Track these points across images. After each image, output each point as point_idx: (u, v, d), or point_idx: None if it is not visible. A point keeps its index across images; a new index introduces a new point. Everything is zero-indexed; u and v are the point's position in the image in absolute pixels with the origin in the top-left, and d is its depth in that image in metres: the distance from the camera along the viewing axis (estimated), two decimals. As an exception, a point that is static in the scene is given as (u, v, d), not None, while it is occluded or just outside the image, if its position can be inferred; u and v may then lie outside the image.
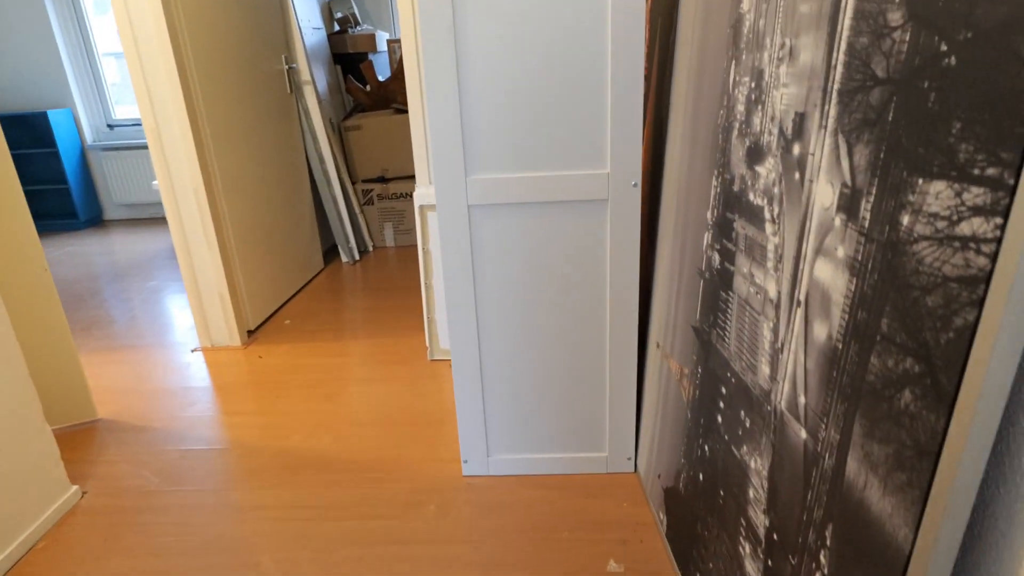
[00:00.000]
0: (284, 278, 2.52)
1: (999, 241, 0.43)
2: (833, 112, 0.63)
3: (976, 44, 0.45)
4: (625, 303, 1.28)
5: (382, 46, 3.39)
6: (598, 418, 1.38)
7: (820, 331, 0.66)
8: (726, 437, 0.93)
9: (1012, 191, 0.42)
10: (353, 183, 3.07)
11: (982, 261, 0.45)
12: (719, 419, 0.96)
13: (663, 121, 1.25)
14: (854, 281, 0.60)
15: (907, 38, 0.52)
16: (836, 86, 0.62)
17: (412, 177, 3.12)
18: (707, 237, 1.00)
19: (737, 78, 0.87)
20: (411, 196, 3.08)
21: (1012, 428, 0.48)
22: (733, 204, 0.89)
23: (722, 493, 0.94)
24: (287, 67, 2.61)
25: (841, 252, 0.62)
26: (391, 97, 3.15)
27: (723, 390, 0.94)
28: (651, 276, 1.30)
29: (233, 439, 1.60)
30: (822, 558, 0.66)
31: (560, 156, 1.18)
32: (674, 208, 1.15)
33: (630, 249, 1.24)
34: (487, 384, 1.35)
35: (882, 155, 0.55)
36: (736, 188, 0.88)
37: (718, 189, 0.95)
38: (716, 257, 0.96)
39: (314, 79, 2.73)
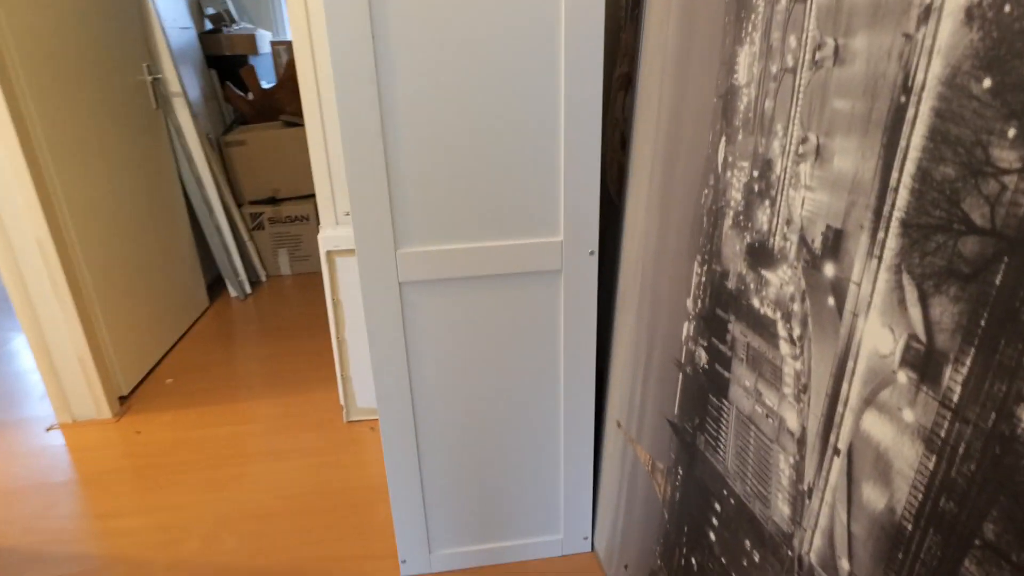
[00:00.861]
0: (161, 325, 2.18)
1: None
2: (893, 244, 0.52)
3: None
4: (581, 378, 1.15)
5: (264, 47, 3.04)
6: (552, 498, 1.24)
7: (874, 497, 0.55)
8: (723, 561, 0.82)
9: None
10: (239, 206, 2.74)
11: None
12: (711, 536, 0.84)
13: (620, 173, 1.12)
14: (933, 459, 0.49)
15: (1030, 189, 0.41)
16: (899, 214, 0.51)
17: (308, 197, 2.83)
18: (688, 328, 0.88)
19: (730, 159, 0.75)
20: (307, 219, 2.79)
21: None
22: (728, 303, 0.77)
23: (719, 621, 0.84)
24: (151, 78, 2.24)
25: (909, 416, 0.51)
26: (278, 107, 2.83)
27: (716, 507, 0.83)
28: (606, 347, 1.17)
29: (110, 554, 1.31)
30: None
31: (507, 222, 1.02)
32: (637, 281, 1.03)
33: (586, 322, 1.11)
34: (426, 473, 1.17)
35: (983, 322, 0.44)
36: (732, 286, 0.76)
37: (703, 279, 0.83)
38: (702, 355, 0.84)
39: (185, 90, 2.38)
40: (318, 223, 3.31)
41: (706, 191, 0.81)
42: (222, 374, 2.03)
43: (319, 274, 2.86)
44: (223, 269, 2.60)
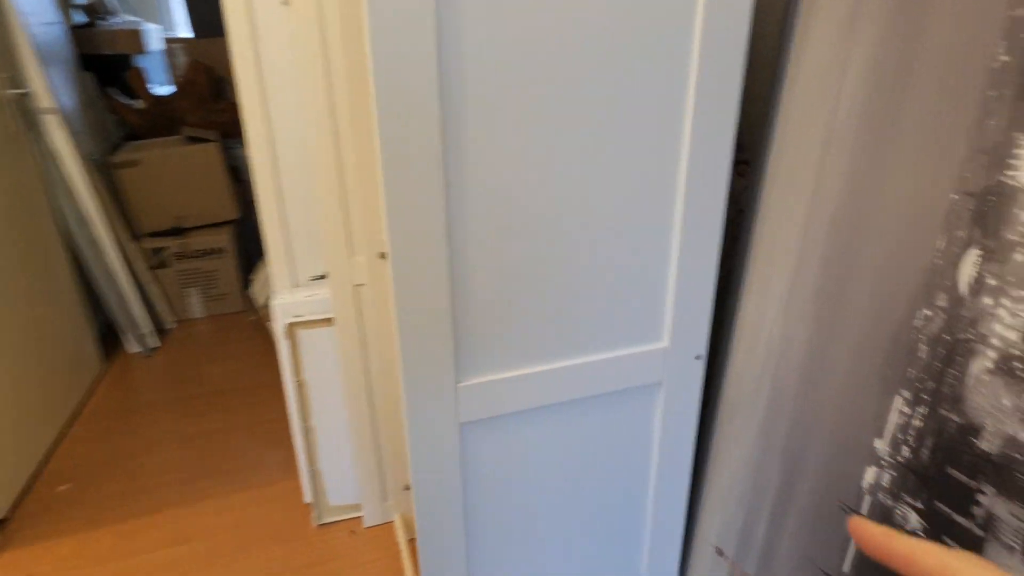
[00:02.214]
0: (43, 406, 1.71)
1: None
2: None
3: None
4: (669, 506, 0.92)
5: (154, 45, 2.54)
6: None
7: None
8: None
9: None
10: (136, 240, 2.25)
11: None
12: None
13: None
14: None
15: None
16: None
17: (221, 225, 2.39)
18: (876, 475, 0.68)
19: (992, 281, 0.55)
20: (222, 252, 2.35)
21: None
22: (979, 468, 0.58)
23: None
24: (14, 93, 1.74)
25: None
26: (178, 118, 2.35)
27: None
28: (700, 457, 0.95)
29: None
30: None
31: (599, 330, 0.77)
32: (761, 394, 0.82)
33: (685, 438, 0.88)
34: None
35: None
36: (990, 447, 0.57)
37: (919, 422, 0.63)
38: (909, 515, 0.65)
39: (59, 104, 1.88)
40: (237, 256, 2.84)
41: (928, 312, 0.61)
42: (136, 469, 1.61)
43: (242, 314, 2.43)
44: (119, 320, 2.12)
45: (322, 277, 1.33)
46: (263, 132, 1.21)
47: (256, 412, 1.85)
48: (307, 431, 1.39)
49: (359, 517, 1.46)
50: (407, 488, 1.36)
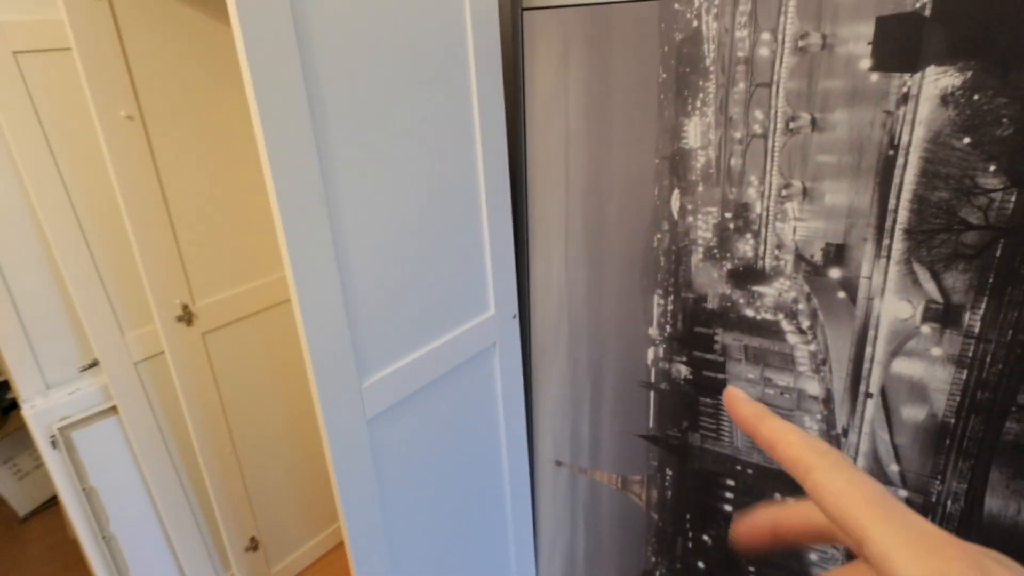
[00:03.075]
0: None
1: None
2: (900, 246, 0.77)
3: (1091, 209, 0.66)
4: (517, 435, 1.16)
5: None
6: (503, 560, 1.22)
7: (914, 413, 0.82)
8: (746, 521, 1.00)
9: None
10: None
11: (1125, 347, 0.68)
12: (727, 508, 1.02)
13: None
14: (964, 372, 0.77)
15: (1012, 199, 0.69)
16: (901, 226, 0.76)
17: None
18: (654, 352, 1.01)
19: (690, 206, 0.91)
20: None
21: (1099, 434, 0.75)
22: (712, 320, 0.94)
23: (752, 569, 1.03)
24: None
25: (938, 351, 0.78)
26: None
27: (729, 483, 1.01)
28: (528, 400, 1.20)
29: None
30: None
31: (451, 313, 0.96)
32: (562, 333, 1.10)
33: (517, 382, 1.12)
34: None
35: (991, 279, 0.73)
36: (713, 306, 0.93)
37: (671, 307, 0.97)
38: (680, 369, 0.99)
39: None
40: None
41: (659, 235, 0.95)
42: None
43: None
44: None
45: (92, 365, 1.19)
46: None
47: (-12, 569, 1.49)
48: (108, 541, 1.24)
49: (206, 606, 1.35)
50: (251, 547, 1.31)
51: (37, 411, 1.15)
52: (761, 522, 0.29)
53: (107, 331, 1.15)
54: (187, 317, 1.12)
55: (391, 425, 0.89)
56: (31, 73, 1.03)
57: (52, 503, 1.69)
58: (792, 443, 0.26)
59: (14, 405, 1.62)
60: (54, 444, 1.16)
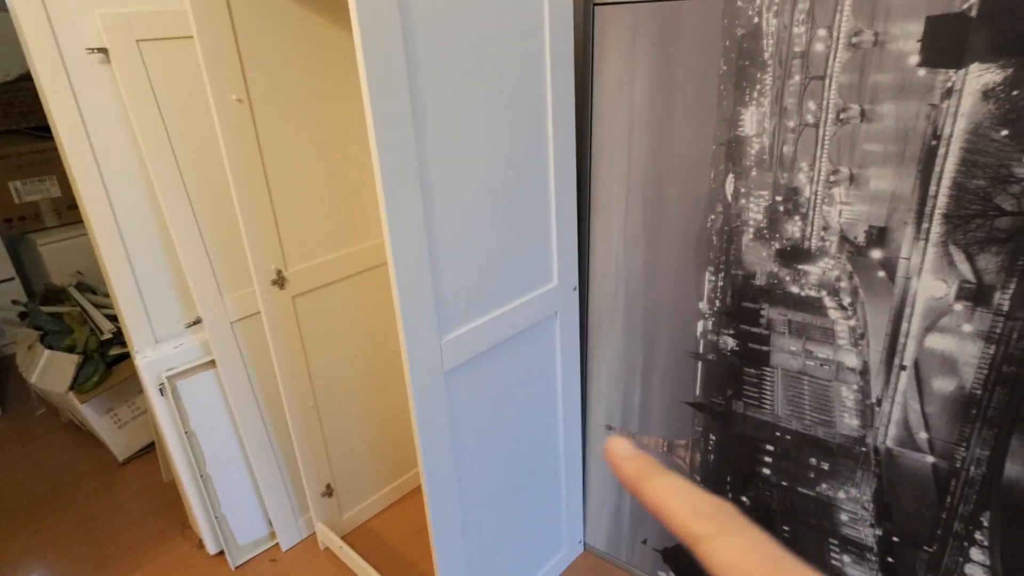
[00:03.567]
0: None
1: None
2: (938, 229, 0.84)
3: (1120, 197, 0.72)
4: (573, 398, 1.26)
5: None
6: (554, 513, 1.33)
7: (944, 384, 0.89)
8: (784, 483, 1.09)
9: None
10: None
11: None
12: (765, 471, 1.11)
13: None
14: (993, 347, 0.84)
15: (1046, 188, 0.76)
16: (940, 211, 0.83)
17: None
18: (703, 325, 1.10)
19: (743, 190, 0.99)
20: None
21: (1123, 409, 0.81)
22: (759, 296, 1.02)
23: (786, 528, 1.11)
24: None
25: (968, 328, 0.85)
26: None
27: (768, 448, 1.09)
28: (584, 368, 1.30)
29: None
30: (977, 536, 0.91)
31: (521, 282, 1.06)
32: (618, 305, 1.19)
33: (574, 351, 1.22)
34: (467, 531, 1.13)
35: (1022, 263, 0.79)
36: (761, 282, 1.01)
37: (721, 283, 1.06)
38: (727, 341, 1.08)
39: None
40: None
41: (713, 216, 1.04)
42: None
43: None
44: None
45: (196, 323, 1.35)
46: (101, 202, 1.19)
47: (98, 500, 1.69)
48: (204, 480, 1.39)
49: (275, 545, 1.50)
50: (326, 493, 1.46)
51: (148, 361, 1.31)
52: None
53: (208, 293, 1.30)
54: (280, 282, 1.26)
55: (464, 378, 1.01)
56: (150, 58, 1.17)
57: (147, 450, 1.87)
58: (675, 511, 0.23)
59: (116, 360, 1.80)
60: (162, 391, 1.32)
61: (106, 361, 1.78)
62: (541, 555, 1.32)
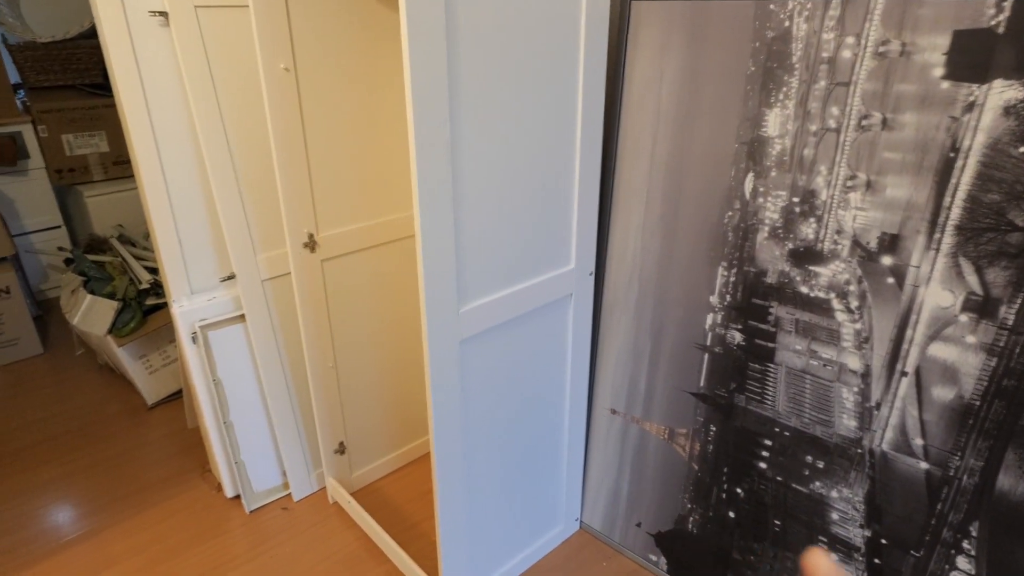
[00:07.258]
0: None
1: None
2: (949, 240, 0.86)
3: None
4: (580, 380, 1.30)
5: None
6: (555, 489, 1.37)
7: (943, 393, 0.91)
8: (779, 478, 1.12)
9: None
10: None
11: None
12: (761, 465, 1.13)
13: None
14: (995, 360, 0.85)
15: (1057, 206, 0.77)
16: (953, 222, 0.85)
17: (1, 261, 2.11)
18: (712, 318, 1.13)
19: (761, 189, 1.01)
20: (7, 293, 2.08)
21: (1118, 431, 0.82)
22: (769, 294, 1.05)
23: (777, 522, 1.14)
24: None
25: (972, 339, 0.87)
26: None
27: (766, 443, 1.12)
28: (593, 351, 1.34)
29: None
30: (965, 544, 0.93)
31: (539, 262, 1.10)
32: (631, 292, 1.23)
33: (586, 333, 1.26)
34: (472, 498, 1.18)
35: (1029, 278, 0.80)
36: (772, 281, 1.04)
37: (733, 279, 1.08)
38: (735, 335, 1.11)
39: None
40: (32, 297, 2.47)
41: (730, 213, 1.06)
42: (17, 519, 1.47)
43: (32, 361, 2.18)
44: None
45: (230, 278, 1.42)
46: (153, 162, 1.26)
47: (125, 439, 1.78)
48: (227, 427, 1.47)
49: (287, 495, 1.58)
50: (339, 450, 1.52)
51: (183, 310, 1.39)
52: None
53: (243, 251, 1.36)
54: (311, 245, 1.32)
55: (478, 348, 1.05)
56: (206, 24, 1.23)
57: (174, 397, 1.97)
58: None
59: (152, 310, 1.89)
60: (194, 339, 1.40)
61: (143, 309, 1.87)
62: (538, 528, 1.36)
